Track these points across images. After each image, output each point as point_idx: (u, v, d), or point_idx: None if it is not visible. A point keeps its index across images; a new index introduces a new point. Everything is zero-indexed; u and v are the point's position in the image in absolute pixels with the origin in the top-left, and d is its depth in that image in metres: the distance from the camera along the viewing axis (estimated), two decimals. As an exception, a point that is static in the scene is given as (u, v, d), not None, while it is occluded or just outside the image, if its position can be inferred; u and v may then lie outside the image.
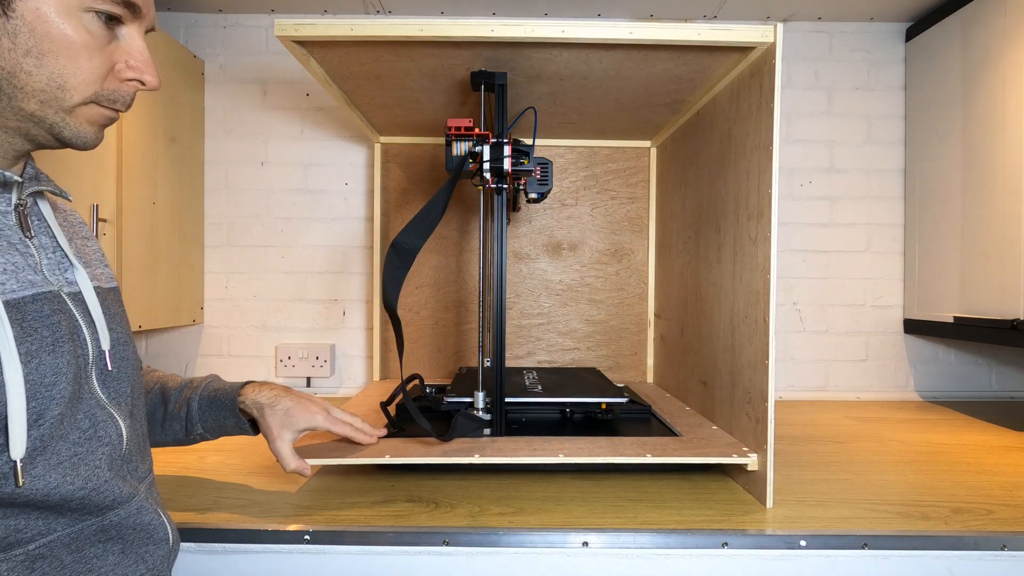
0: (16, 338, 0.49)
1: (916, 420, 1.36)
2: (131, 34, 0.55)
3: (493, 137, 0.97)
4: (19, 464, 0.48)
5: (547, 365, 1.52)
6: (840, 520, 0.79)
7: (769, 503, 0.83)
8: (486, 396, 1.04)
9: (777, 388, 1.59)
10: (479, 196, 1.13)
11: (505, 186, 0.98)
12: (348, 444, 0.89)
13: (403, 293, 1.51)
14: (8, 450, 0.48)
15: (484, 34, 0.85)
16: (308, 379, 1.59)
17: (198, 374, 1.27)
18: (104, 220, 1.20)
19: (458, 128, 0.96)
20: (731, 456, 0.86)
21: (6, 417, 0.48)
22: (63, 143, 0.55)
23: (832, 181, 1.59)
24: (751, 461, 0.86)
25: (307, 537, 0.75)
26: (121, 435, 0.58)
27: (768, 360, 0.84)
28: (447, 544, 0.75)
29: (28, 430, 0.49)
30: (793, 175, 1.59)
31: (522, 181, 1.02)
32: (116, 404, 0.59)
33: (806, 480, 0.95)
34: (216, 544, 0.76)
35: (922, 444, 1.17)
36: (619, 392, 1.13)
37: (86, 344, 0.57)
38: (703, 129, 1.13)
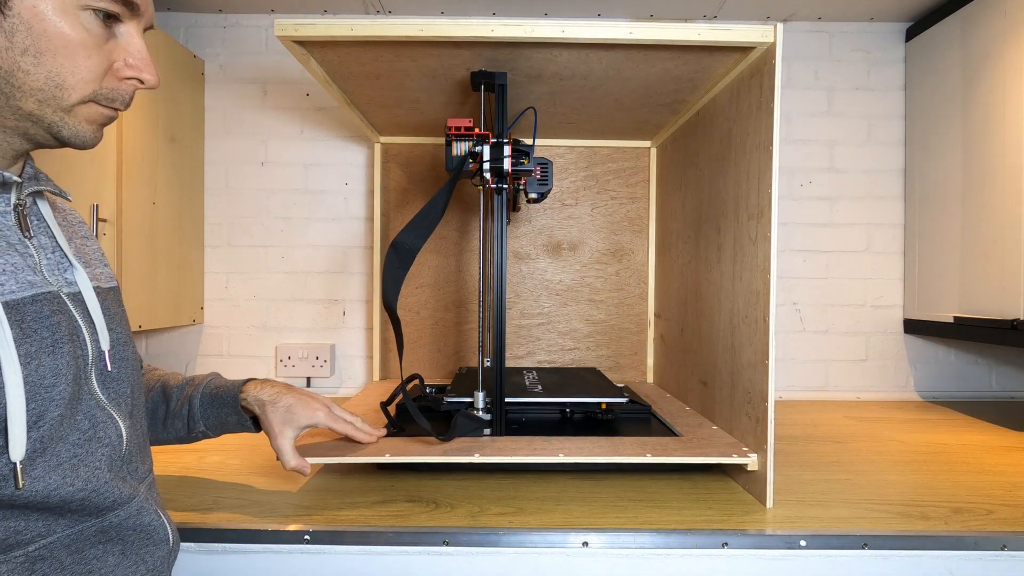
0: (15, 339, 0.49)
1: (916, 420, 1.36)
2: (129, 32, 0.55)
3: (493, 137, 0.97)
4: (19, 466, 0.48)
5: (547, 365, 1.52)
6: (840, 520, 0.79)
7: (769, 503, 0.83)
8: (486, 396, 1.03)
9: (777, 388, 1.60)
10: (479, 196, 1.13)
11: (505, 186, 0.98)
12: (348, 443, 0.89)
13: (403, 293, 1.51)
14: (8, 452, 0.48)
15: (484, 34, 0.85)
16: (308, 379, 1.59)
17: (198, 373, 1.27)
18: (104, 220, 1.20)
19: (458, 128, 0.96)
20: (731, 456, 0.86)
21: (5, 419, 0.48)
22: (62, 142, 0.55)
23: (832, 181, 1.59)
24: (751, 461, 0.86)
25: (307, 537, 0.75)
26: (121, 436, 0.58)
27: (768, 360, 0.84)
28: (447, 544, 0.75)
29: (28, 432, 0.49)
30: (793, 175, 1.59)
31: (522, 181, 1.02)
32: (116, 405, 0.59)
33: (806, 480, 0.95)
34: (216, 544, 0.76)
35: (922, 444, 1.17)
36: (619, 392, 1.13)
37: (85, 345, 0.56)
38: (703, 129, 1.13)
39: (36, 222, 0.58)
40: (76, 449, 0.53)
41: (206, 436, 0.83)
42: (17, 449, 0.48)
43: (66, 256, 0.58)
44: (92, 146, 0.56)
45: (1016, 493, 0.90)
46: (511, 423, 1.05)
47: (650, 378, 1.51)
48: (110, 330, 0.60)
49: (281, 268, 1.60)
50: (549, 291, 1.53)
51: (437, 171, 1.50)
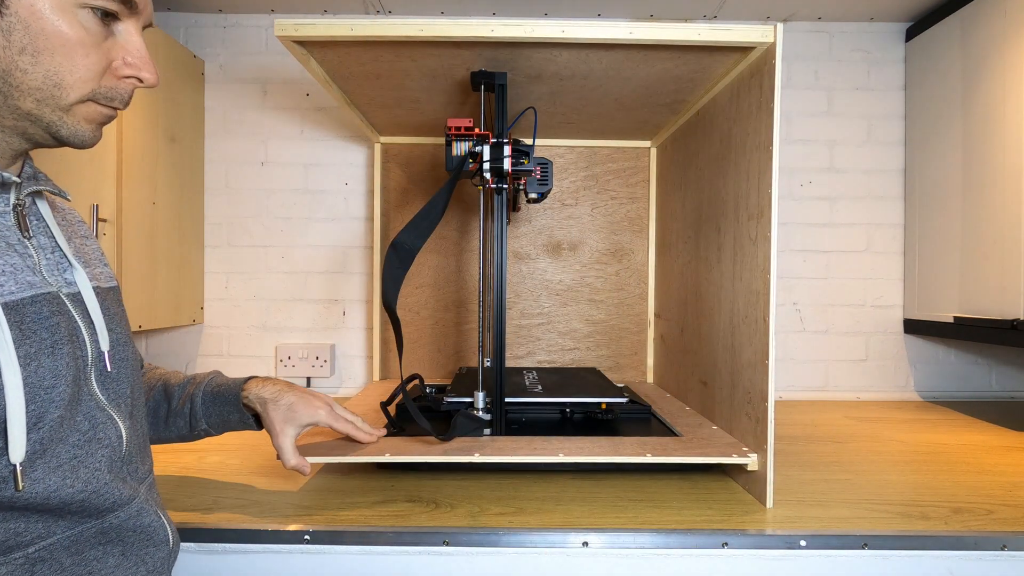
0: (15, 341, 0.49)
1: (916, 420, 1.36)
2: (128, 30, 0.54)
3: (493, 137, 0.97)
4: (19, 468, 0.48)
5: (547, 365, 1.52)
6: (840, 520, 0.79)
7: (769, 503, 0.83)
8: (486, 396, 1.03)
9: (777, 388, 1.59)
10: (479, 196, 1.13)
11: (505, 186, 0.98)
12: (348, 443, 0.89)
13: (403, 293, 1.51)
14: (7, 454, 0.48)
15: (484, 34, 0.85)
16: (308, 379, 1.59)
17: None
18: (104, 220, 1.20)
19: (458, 128, 0.96)
20: (731, 456, 0.86)
21: (5, 421, 0.47)
22: (61, 142, 0.55)
23: (832, 181, 1.59)
24: (751, 461, 0.86)
25: (307, 537, 0.75)
26: (121, 436, 0.58)
27: (768, 360, 0.84)
28: (447, 544, 0.75)
29: (28, 433, 0.49)
30: (793, 175, 1.59)
31: (522, 181, 1.02)
32: (115, 405, 0.59)
33: (806, 480, 0.95)
34: (216, 544, 0.76)
35: (922, 444, 1.17)
36: (619, 392, 1.13)
37: (85, 346, 0.56)
38: (703, 129, 1.13)
39: (35, 222, 0.57)
40: (76, 450, 0.53)
41: (208, 434, 0.82)
42: (17, 451, 0.48)
43: (65, 256, 0.58)
44: (91, 145, 0.56)
45: (1016, 493, 0.90)
46: (511, 423, 1.05)
47: (650, 378, 1.51)
48: (110, 330, 0.59)
49: (281, 268, 1.60)
50: (549, 291, 1.53)
51: (437, 171, 1.50)
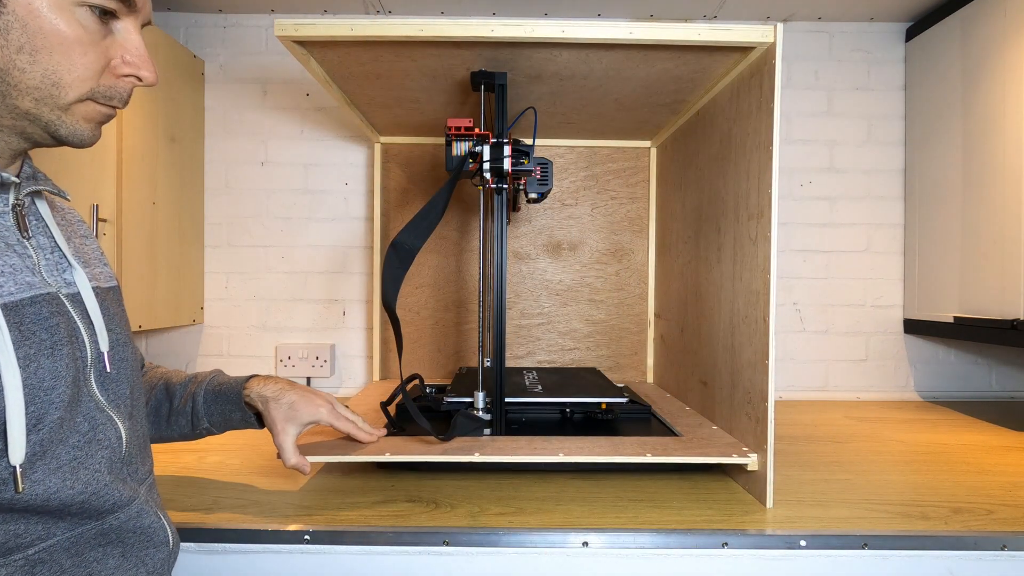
0: (14, 342, 0.48)
1: (916, 420, 1.36)
2: (127, 28, 0.54)
3: (493, 137, 0.97)
4: (19, 469, 0.48)
5: (547, 365, 1.52)
6: (840, 520, 0.79)
7: (769, 503, 0.83)
8: (486, 396, 1.03)
9: (777, 388, 1.59)
10: (479, 196, 1.13)
11: (505, 186, 0.98)
12: (348, 442, 0.89)
13: (403, 293, 1.51)
14: (7, 455, 0.47)
15: (484, 34, 0.85)
16: (308, 379, 1.59)
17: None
18: (104, 220, 1.20)
19: (458, 128, 0.96)
20: (731, 456, 0.86)
21: (5, 422, 0.47)
22: (60, 141, 0.54)
23: (832, 181, 1.59)
24: (751, 461, 0.86)
25: (307, 537, 0.75)
26: (120, 437, 0.58)
27: (768, 360, 0.84)
28: (447, 544, 0.75)
29: (27, 435, 0.48)
30: (793, 175, 1.59)
31: (522, 181, 1.02)
32: (115, 406, 0.59)
33: (806, 480, 0.95)
34: (216, 544, 0.76)
35: (922, 444, 1.17)
36: (619, 392, 1.13)
37: (84, 346, 0.56)
38: (703, 129, 1.13)
39: (35, 222, 0.57)
40: (76, 452, 0.53)
41: (210, 433, 0.82)
42: (17, 452, 0.47)
43: (65, 256, 0.58)
44: (90, 144, 0.56)
45: (1016, 493, 0.90)
46: (511, 423, 1.05)
47: (650, 378, 1.51)
48: (109, 331, 0.59)
49: (281, 268, 1.60)
50: (549, 291, 1.53)
51: (437, 171, 1.50)
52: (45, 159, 1.08)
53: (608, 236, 1.52)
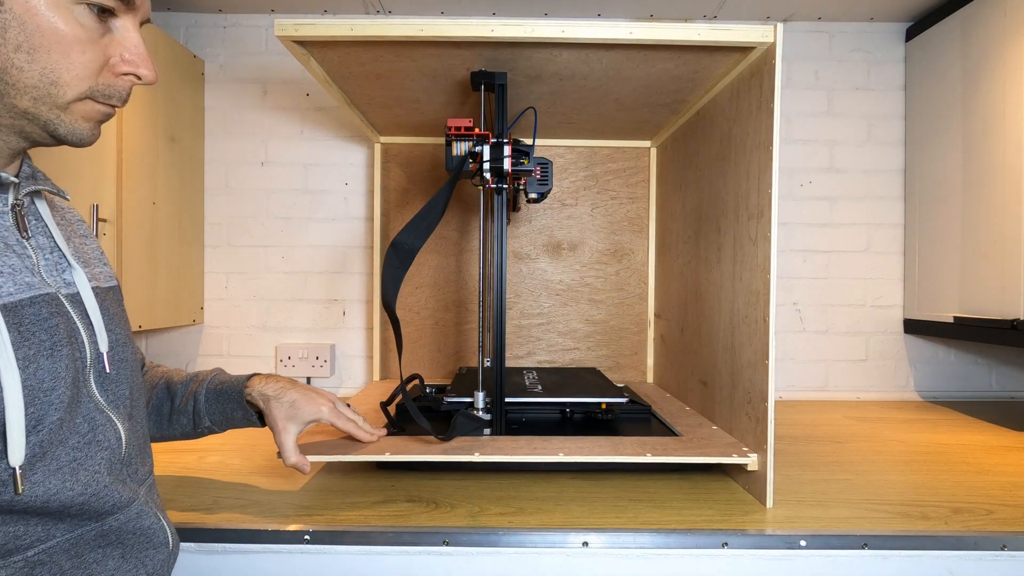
0: (13, 343, 0.48)
1: (916, 420, 1.36)
2: (125, 26, 0.54)
3: (493, 137, 0.97)
4: (18, 471, 0.48)
5: (547, 365, 1.52)
6: (840, 520, 0.79)
7: (769, 503, 0.83)
8: (486, 396, 1.03)
9: (777, 388, 1.59)
10: (479, 196, 1.13)
11: (505, 186, 0.98)
12: (349, 442, 0.89)
13: (403, 293, 1.51)
14: (7, 457, 0.47)
15: (484, 34, 0.85)
16: (308, 379, 1.59)
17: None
18: (104, 220, 1.20)
19: (458, 128, 0.96)
20: (731, 456, 0.86)
21: (4, 424, 0.47)
22: (59, 140, 0.54)
23: (832, 181, 1.59)
24: (751, 461, 0.86)
25: (307, 537, 0.75)
26: (120, 438, 0.58)
27: (768, 360, 0.84)
28: (447, 544, 0.75)
29: (27, 436, 0.48)
30: (793, 175, 1.59)
31: (522, 181, 1.02)
32: (115, 407, 0.58)
33: (806, 480, 0.95)
34: (216, 544, 0.76)
35: (922, 444, 1.17)
36: (619, 392, 1.12)
37: (84, 347, 0.56)
38: (703, 129, 1.13)
39: (34, 222, 0.57)
40: (75, 453, 0.53)
41: (211, 431, 0.82)
42: (16, 454, 0.47)
43: (64, 256, 0.58)
44: (90, 144, 0.55)
45: (1016, 493, 0.90)
46: (511, 423, 1.05)
47: (650, 378, 1.51)
48: (109, 331, 0.59)
49: (281, 268, 1.60)
50: (549, 291, 1.53)
51: (437, 171, 1.50)
52: (45, 159, 1.08)
53: (608, 236, 1.52)
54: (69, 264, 0.58)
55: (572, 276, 1.53)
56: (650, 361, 1.52)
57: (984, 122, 1.31)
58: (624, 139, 1.48)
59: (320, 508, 0.82)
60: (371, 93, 1.14)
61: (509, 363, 1.51)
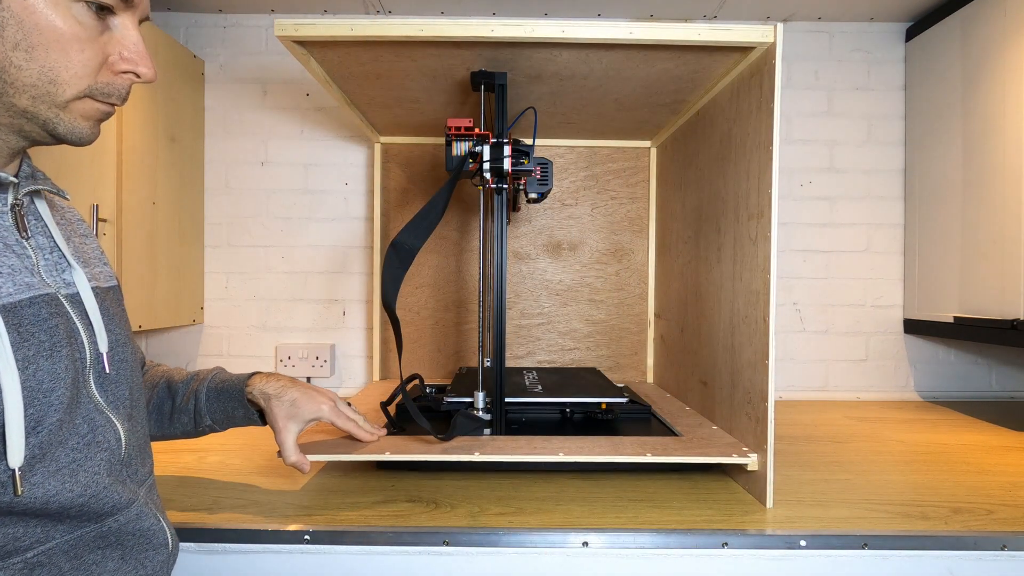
0: (13, 343, 0.48)
1: (916, 420, 1.36)
2: (124, 24, 0.53)
3: (493, 137, 0.97)
4: (18, 472, 0.47)
5: (547, 365, 1.52)
6: (840, 520, 0.79)
7: (769, 503, 0.83)
8: (486, 396, 1.03)
9: (777, 388, 1.59)
10: (479, 196, 1.13)
11: (505, 186, 0.98)
12: (349, 441, 0.89)
13: (403, 293, 1.51)
14: (6, 458, 0.47)
15: (484, 34, 0.85)
16: (308, 379, 1.59)
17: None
18: (104, 220, 1.20)
19: (458, 128, 0.96)
20: (731, 456, 0.86)
21: (3, 425, 0.47)
22: (58, 139, 0.54)
23: (832, 181, 1.59)
24: (751, 461, 0.86)
25: (307, 537, 0.75)
26: (120, 439, 0.58)
27: (768, 360, 0.84)
28: (447, 544, 0.75)
29: (26, 437, 0.48)
30: (793, 175, 1.59)
31: (522, 181, 1.02)
32: (114, 408, 0.58)
33: (806, 480, 0.95)
34: (216, 544, 0.76)
35: (922, 444, 1.17)
36: (619, 392, 1.12)
37: (83, 347, 0.56)
38: (703, 129, 1.13)
39: (34, 222, 0.57)
40: (75, 454, 0.52)
41: (212, 430, 0.82)
42: (16, 455, 0.47)
43: (64, 256, 0.58)
44: (89, 142, 0.55)
45: (1016, 493, 0.90)
46: (511, 423, 1.05)
47: (650, 378, 1.51)
48: (108, 331, 0.59)
49: (281, 268, 1.60)
50: (549, 291, 1.53)
51: (437, 171, 1.50)
52: (44, 158, 1.08)
53: (608, 236, 1.52)
54: (69, 264, 0.58)
55: (572, 276, 1.53)
56: (650, 361, 1.52)
57: (984, 122, 1.31)
58: (624, 139, 1.48)
59: (320, 508, 0.82)
60: (371, 93, 1.14)
61: (509, 363, 1.51)
